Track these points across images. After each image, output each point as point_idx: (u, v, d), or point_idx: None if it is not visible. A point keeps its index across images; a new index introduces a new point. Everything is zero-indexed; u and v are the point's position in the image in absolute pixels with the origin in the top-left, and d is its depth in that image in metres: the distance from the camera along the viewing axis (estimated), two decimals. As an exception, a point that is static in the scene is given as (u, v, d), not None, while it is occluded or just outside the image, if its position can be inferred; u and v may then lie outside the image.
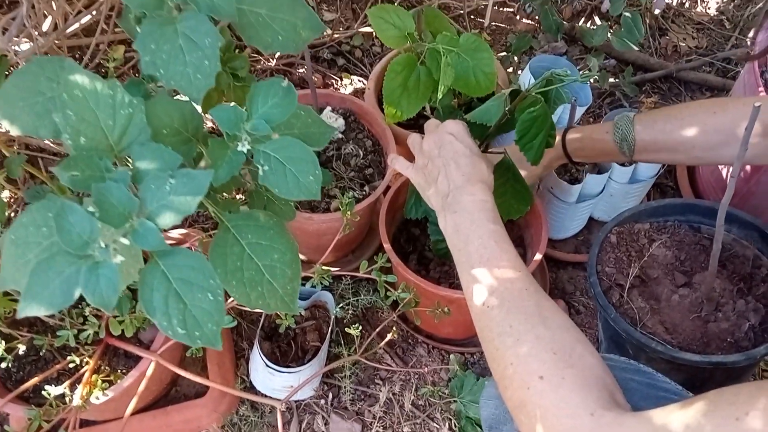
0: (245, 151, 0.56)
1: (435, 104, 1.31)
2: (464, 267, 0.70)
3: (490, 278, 0.65)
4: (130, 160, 0.55)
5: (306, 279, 0.98)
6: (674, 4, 1.77)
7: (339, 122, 1.31)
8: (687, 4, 1.77)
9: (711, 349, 0.99)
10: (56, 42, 1.27)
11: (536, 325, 0.60)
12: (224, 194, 0.74)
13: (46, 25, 1.28)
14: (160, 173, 0.49)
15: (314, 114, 0.68)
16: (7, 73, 0.83)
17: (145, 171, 0.52)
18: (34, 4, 1.21)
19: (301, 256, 1.30)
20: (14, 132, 0.63)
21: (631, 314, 1.05)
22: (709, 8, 1.78)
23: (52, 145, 1.37)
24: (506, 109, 0.93)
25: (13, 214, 1.30)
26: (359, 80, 1.67)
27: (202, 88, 0.57)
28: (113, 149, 0.54)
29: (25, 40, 1.23)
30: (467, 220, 0.73)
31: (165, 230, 0.49)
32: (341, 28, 1.75)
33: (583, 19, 1.72)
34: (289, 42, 0.65)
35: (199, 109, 0.60)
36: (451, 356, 1.08)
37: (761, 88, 1.14)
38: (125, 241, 0.48)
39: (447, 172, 0.79)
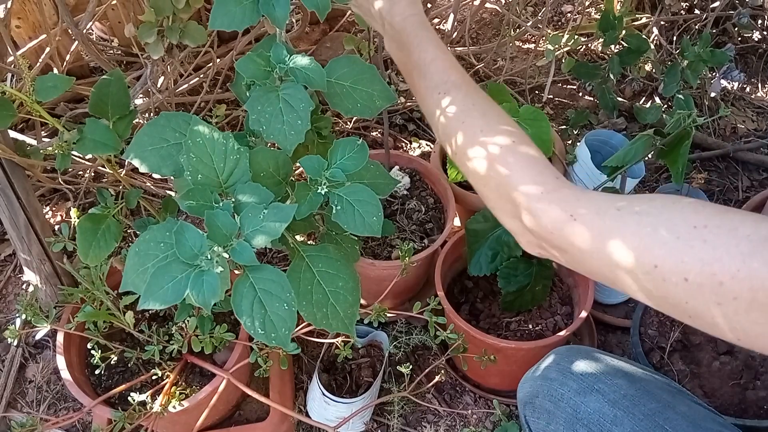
0: (323, 193, 0.69)
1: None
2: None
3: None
4: (233, 196, 0.69)
5: (365, 316, 1.09)
6: (734, 89, 1.83)
7: (405, 180, 1.44)
8: (748, 89, 1.84)
9: (748, 415, 1.02)
10: (167, 99, 1.48)
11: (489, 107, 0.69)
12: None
13: (159, 82, 1.49)
14: (257, 205, 0.63)
15: (382, 168, 0.81)
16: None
17: (244, 203, 0.65)
18: (153, 67, 1.42)
19: (362, 300, 1.41)
20: (143, 169, 0.79)
21: (671, 376, 1.09)
22: (770, 93, 1.83)
23: (152, 187, 1.56)
24: (659, 144, 1.12)
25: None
26: (427, 144, 1.81)
27: (294, 142, 0.71)
28: (221, 186, 0.68)
29: (141, 95, 1.44)
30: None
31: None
32: (413, 98, 1.91)
33: (643, 99, 1.81)
34: (366, 109, 0.78)
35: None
36: (495, 401, 1.15)
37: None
38: (225, 255, 0.61)
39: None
